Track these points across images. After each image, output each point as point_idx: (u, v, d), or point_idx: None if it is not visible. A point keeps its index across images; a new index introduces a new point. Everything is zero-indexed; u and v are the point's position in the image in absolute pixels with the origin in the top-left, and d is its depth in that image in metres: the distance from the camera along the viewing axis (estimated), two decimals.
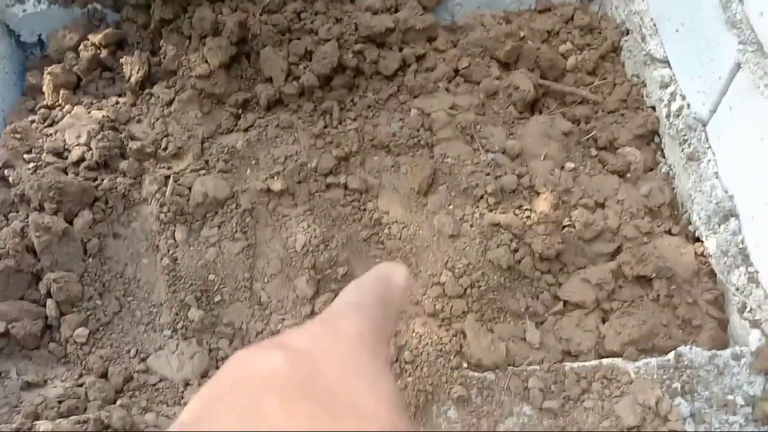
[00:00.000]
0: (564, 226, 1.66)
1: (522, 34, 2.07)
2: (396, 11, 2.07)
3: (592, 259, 1.64)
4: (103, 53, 2.03)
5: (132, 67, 1.99)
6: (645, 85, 1.96)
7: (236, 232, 1.69)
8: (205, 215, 1.72)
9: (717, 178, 1.60)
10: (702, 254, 1.60)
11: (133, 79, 1.98)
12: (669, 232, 1.67)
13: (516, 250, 1.61)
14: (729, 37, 1.52)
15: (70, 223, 1.69)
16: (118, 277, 1.68)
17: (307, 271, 1.62)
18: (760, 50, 1.41)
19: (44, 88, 2.00)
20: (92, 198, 1.73)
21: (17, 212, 1.75)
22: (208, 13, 1.90)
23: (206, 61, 1.90)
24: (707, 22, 1.61)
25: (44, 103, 1.99)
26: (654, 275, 1.53)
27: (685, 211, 1.71)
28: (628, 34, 2.05)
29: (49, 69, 2.00)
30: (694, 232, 1.66)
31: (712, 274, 1.57)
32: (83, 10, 2.12)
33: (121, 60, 2.02)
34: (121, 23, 2.08)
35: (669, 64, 1.84)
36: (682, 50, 1.77)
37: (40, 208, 1.68)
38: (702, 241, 1.62)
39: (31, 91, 2.06)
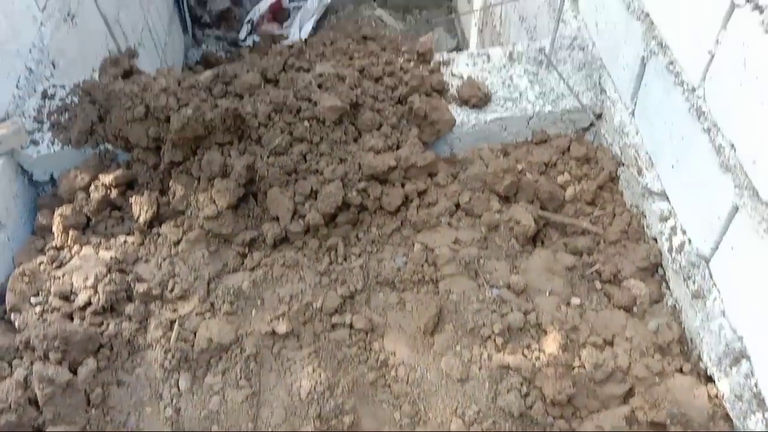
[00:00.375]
0: (574, 367, 1.63)
1: (520, 168, 2.13)
2: (398, 147, 2.14)
3: (604, 402, 1.60)
4: (113, 193, 2.08)
5: (141, 206, 2.03)
6: (645, 216, 1.99)
7: (240, 379, 1.66)
8: (209, 361, 1.70)
9: (724, 317, 1.59)
10: (716, 396, 1.57)
11: (141, 219, 2.01)
12: (680, 371, 1.65)
13: (527, 395, 1.58)
14: (725, 180, 1.56)
15: (75, 372, 1.67)
16: (121, 428, 1.64)
17: (312, 420, 1.58)
18: (756, 196, 1.44)
19: (54, 229, 2.04)
20: (97, 345, 1.72)
21: (21, 359, 1.73)
22: (216, 156, 1.97)
23: (214, 202, 1.95)
24: (702, 162, 1.66)
25: (53, 243, 2.01)
26: (668, 421, 1.50)
27: (695, 347, 1.69)
28: (624, 164, 2.11)
29: (59, 211, 2.04)
30: (706, 370, 1.64)
31: (728, 418, 1.53)
32: (95, 150, 2.20)
33: (130, 199, 2.07)
34: (132, 163, 2.15)
35: (667, 198, 1.88)
36: (680, 186, 1.81)
37: (45, 357, 1.67)
38: (715, 382, 1.59)
39: (41, 230, 2.09)
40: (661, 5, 1.83)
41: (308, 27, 4.68)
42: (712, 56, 1.58)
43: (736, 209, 1.53)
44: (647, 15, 1.91)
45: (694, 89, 1.68)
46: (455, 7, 4.84)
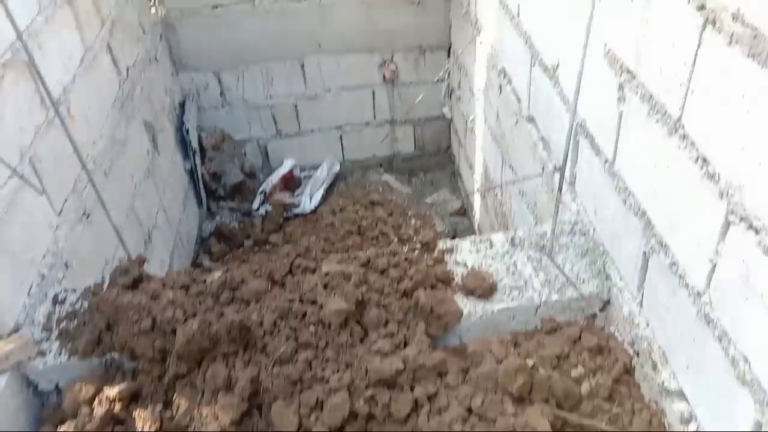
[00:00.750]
0: None
1: (532, 363, 2.07)
2: (405, 344, 2.11)
3: None
4: (117, 407, 2.04)
5: (144, 422, 1.98)
6: (665, 415, 1.90)
7: None
8: None
9: None
10: None
11: None
12: None
13: None
14: (743, 393, 1.50)
15: None
16: None
17: None
18: None
19: None
20: None
21: None
22: (221, 369, 1.95)
23: (217, 419, 1.90)
24: (717, 371, 1.60)
25: None
26: None
27: None
28: (638, 355, 2.05)
29: (62, 429, 1.99)
30: None
31: None
32: (101, 360, 2.18)
33: (134, 413, 2.03)
34: (137, 373, 2.12)
35: (686, 399, 1.80)
36: (697, 390, 1.74)
37: None
38: None
39: None
40: (658, 207, 1.85)
41: (318, 195, 4.83)
42: (714, 265, 1.57)
43: (759, 426, 1.46)
44: (644, 213, 1.94)
45: (699, 294, 1.66)
46: (458, 169, 5.01)
